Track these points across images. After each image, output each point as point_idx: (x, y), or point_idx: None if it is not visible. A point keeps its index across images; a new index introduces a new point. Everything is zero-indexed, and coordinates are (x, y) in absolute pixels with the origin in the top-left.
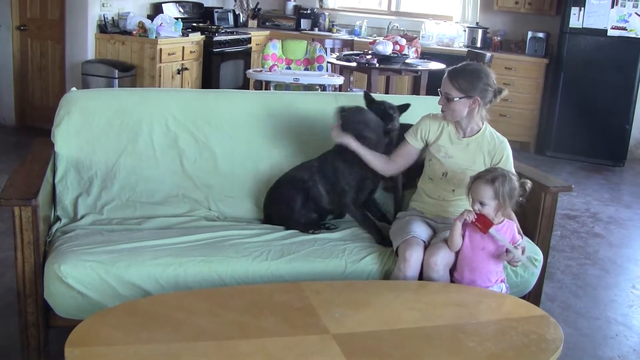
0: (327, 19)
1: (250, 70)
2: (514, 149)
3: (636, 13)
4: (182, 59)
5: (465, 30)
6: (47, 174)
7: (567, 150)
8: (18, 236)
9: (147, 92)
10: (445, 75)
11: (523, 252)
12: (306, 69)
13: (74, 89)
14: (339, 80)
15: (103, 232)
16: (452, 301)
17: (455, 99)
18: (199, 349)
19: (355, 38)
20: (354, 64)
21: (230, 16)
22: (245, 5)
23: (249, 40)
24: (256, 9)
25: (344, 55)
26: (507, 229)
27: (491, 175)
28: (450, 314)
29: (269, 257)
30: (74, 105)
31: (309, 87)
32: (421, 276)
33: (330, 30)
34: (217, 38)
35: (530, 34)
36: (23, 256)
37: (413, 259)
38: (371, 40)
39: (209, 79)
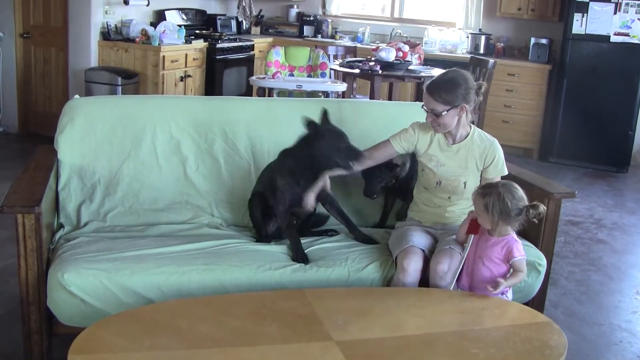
0: (330, 26)
1: (253, 77)
2: (517, 156)
3: (639, 19)
4: (185, 66)
5: (468, 37)
6: (50, 181)
7: (570, 156)
8: (21, 244)
9: (150, 99)
10: (425, 91)
11: (497, 286)
12: (309, 76)
13: (77, 96)
14: (342, 87)
15: (106, 239)
16: (456, 308)
17: (443, 113)
18: (202, 357)
19: (358, 45)
20: (357, 71)
21: (233, 23)
22: (248, 12)
23: (252, 47)
24: (259, 16)
25: (347, 61)
26: (502, 247)
27: (486, 191)
28: (453, 320)
29: (273, 265)
30: (77, 112)
31: (312, 94)
32: (426, 284)
33: (333, 37)
34: (220, 45)
35: (533, 40)
36: (26, 264)
37: (411, 267)
38: (374, 47)
39: (212, 86)
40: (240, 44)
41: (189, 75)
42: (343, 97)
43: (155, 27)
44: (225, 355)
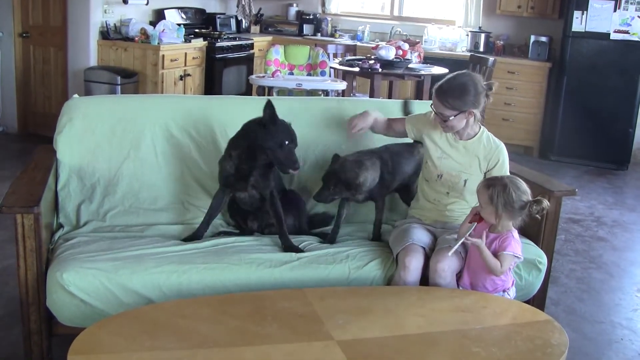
0: (329, 24)
1: (253, 76)
2: (517, 154)
3: (639, 17)
4: (185, 65)
5: (468, 35)
6: (49, 181)
7: (570, 154)
8: (20, 244)
9: (150, 99)
10: (434, 94)
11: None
12: (309, 75)
13: (76, 95)
14: (341, 85)
15: (105, 239)
16: (456, 306)
17: (450, 118)
18: (202, 356)
19: (358, 43)
20: (356, 69)
21: (233, 22)
22: (248, 11)
23: (251, 46)
24: (259, 15)
25: (347, 60)
26: (500, 240)
27: (490, 182)
28: (454, 319)
29: (272, 264)
30: (76, 112)
31: (312, 93)
32: (427, 282)
33: (332, 35)
34: (219, 44)
35: (533, 38)
36: (25, 264)
37: (413, 265)
38: (374, 45)
39: (211, 85)
40: (240, 42)
41: (189, 74)
42: (343, 96)
43: (154, 26)
44: (226, 355)
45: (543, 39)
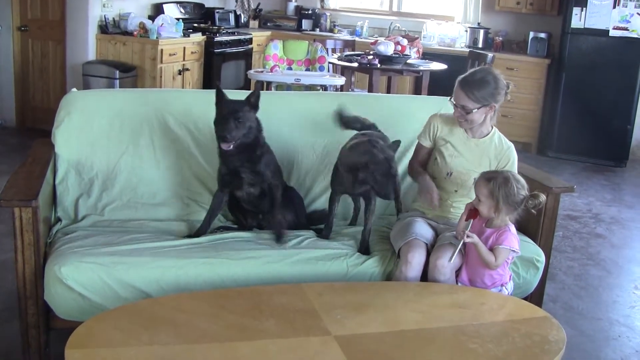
0: (328, 20)
1: (252, 71)
2: (515, 150)
3: (638, 13)
4: (183, 59)
5: (466, 31)
6: (47, 175)
7: (569, 150)
8: (18, 238)
9: (148, 93)
10: (457, 86)
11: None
12: (307, 70)
13: (74, 89)
14: (340, 80)
15: (104, 233)
16: (454, 303)
17: (473, 110)
18: (199, 351)
19: (357, 38)
20: (355, 65)
21: (232, 17)
22: (247, 6)
23: (250, 41)
24: (257, 10)
25: (346, 55)
26: (497, 235)
27: (491, 175)
28: (452, 315)
29: (271, 259)
30: (75, 106)
31: (310, 88)
32: (425, 278)
33: (331, 30)
34: (218, 38)
35: (532, 34)
36: (23, 258)
37: (415, 260)
38: (373, 41)
39: (210, 80)
40: (239, 37)
41: (187, 69)
42: (341, 91)
43: (153, 21)
44: (224, 350)
45: (542, 35)
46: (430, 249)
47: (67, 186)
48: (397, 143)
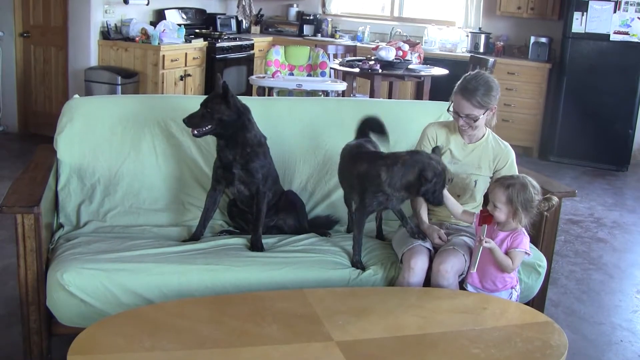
0: (329, 25)
1: (253, 77)
2: (517, 154)
3: (638, 18)
4: (185, 65)
5: (468, 36)
6: (49, 181)
7: (570, 155)
8: (20, 244)
9: (150, 99)
10: (459, 97)
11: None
12: (309, 75)
13: (76, 95)
14: (341, 86)
15: (106, 239)
16: (456, 307)
17: (480, 117)
18: (201, 357)
19: (358, 44)
20: (356, 70)
21: (233, 22)
22: (248, 12)
23: (251, 47)
24: (259, 15)
25: (347, 61)
26: (511, 237)
27: (509, 182)
28: (454, 320)
29: (273, 266)
30: (77, 112)
31: (312, 93)
32: (428, 283)
33: (333, 36)
34: (219, 44)
35: (532, 39)
36: (25, 264)
37: (418, 266)
38: (374, 46)
39: (211, 85)
40: (240, 43)
41: (189, 75)
42: (343, 96)
43: (155, 27)
44: (226, 356)
45: (543, 40)
46: (432, 255)
47: (69, 192)
48: (440, 148)
